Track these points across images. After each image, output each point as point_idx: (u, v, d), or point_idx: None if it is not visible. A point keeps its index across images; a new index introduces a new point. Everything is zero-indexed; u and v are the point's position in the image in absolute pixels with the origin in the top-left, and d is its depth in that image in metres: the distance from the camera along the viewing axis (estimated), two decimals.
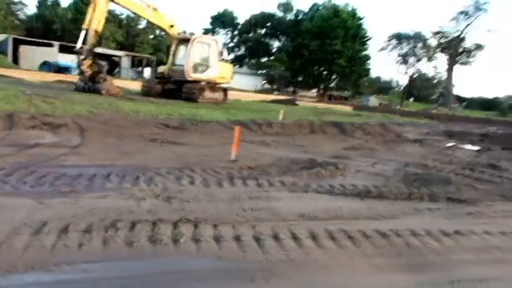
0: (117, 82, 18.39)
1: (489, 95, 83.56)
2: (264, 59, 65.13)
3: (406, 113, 32.11)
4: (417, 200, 4.67)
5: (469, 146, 11.99)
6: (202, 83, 17.98)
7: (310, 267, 2.71)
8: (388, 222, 3.74)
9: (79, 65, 15.47)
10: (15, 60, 35.12)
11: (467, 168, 7.14)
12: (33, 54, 36.02)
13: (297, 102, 30.96)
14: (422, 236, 3.42)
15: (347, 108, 31.08)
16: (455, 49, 57.02)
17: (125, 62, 42.23)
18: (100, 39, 16.82)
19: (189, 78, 17.61)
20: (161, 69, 19.52)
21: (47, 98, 10.38)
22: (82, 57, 15.11)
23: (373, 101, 51.36)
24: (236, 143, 6.07)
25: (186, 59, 17.65)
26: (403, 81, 67.82)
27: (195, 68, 17.86)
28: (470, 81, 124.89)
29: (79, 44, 15.19)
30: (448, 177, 6.08)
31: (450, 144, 11.88)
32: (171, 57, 18.76)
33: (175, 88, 18.03)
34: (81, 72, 15.43)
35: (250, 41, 64.51)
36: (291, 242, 3.03)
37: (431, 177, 6.02)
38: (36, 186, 3.82)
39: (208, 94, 18.05)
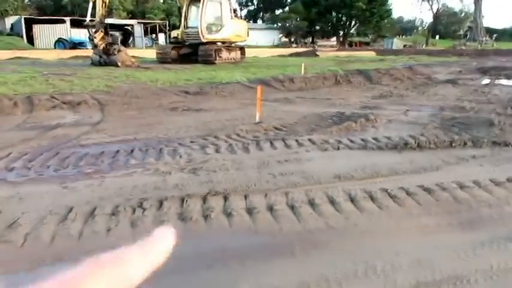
0: (132, 52, 18.11)
1: None
2: (278, 12, 62.65)
3: (433, 52, 30.62)
4: (459, 147, 4.34)
5: (506, 82, 11.24)
6: (218, 44, 17.46)
7: (353, 234, 2.50)
8: (431, 175, 3.46)
9: (91, 38, 15.19)
10: (30, 40, 35.12)
11: (508, 106, 6.64)
12: (46, 33, 35.90)
13: (317, 53, 29.88)
14: (471, 188, 3.14)
15: (370, 54, 29.80)
16: None
17: (138, 31, 41.47)
18: (109, 10, 16.40)
19: (204, 40, 17.11)
20: (174, 33, 18.98)
21: (65, 76, 10.29)
22: (93, 30, 14.82)
23: (397, 43, 49.08)
24: (259, 103, 5.80)
25: (198, 20, 17.06)
26: (428, 19, 64.27)
27: (209, 29, 17.29)
28: (500, 11, 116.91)
29: (88, 17, 14.87)
30: (490, 118, 5.65)
31: (485, 81, 11.16)
32: (183, 20, 18.17)
33: (191, 52, 17.59)
34: (95, 46, 15.19)
35: None
36: (329, 207, 2.82)
37: (471, 120, 5.63)
38: (59, 169, 3.72)
39: (225, 54, 17.57)
